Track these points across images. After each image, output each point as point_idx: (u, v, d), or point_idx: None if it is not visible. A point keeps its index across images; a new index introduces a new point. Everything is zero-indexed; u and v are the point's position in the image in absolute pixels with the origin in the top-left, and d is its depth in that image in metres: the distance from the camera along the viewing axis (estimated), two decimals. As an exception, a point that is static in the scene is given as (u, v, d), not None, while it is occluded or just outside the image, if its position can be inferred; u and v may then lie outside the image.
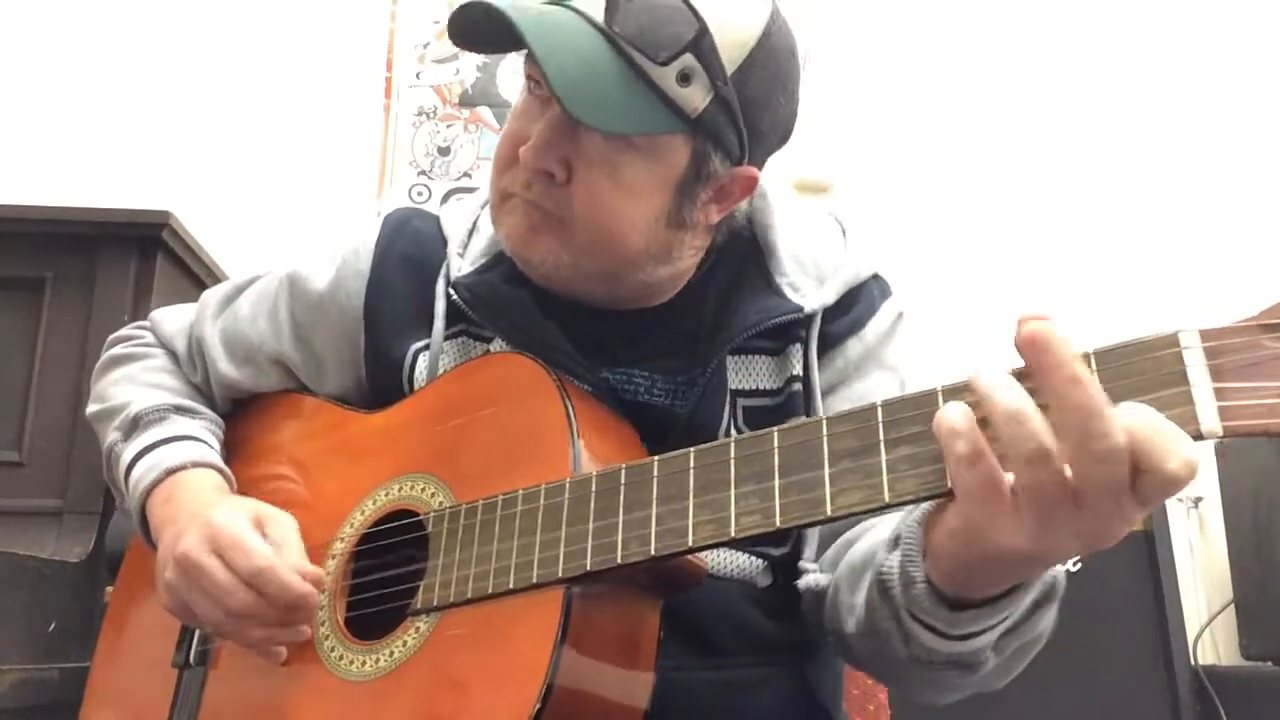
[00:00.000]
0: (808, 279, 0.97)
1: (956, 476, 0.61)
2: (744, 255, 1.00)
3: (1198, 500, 2.44)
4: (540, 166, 0.87)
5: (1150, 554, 2.01)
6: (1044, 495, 0.58)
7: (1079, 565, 2.01)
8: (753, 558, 0.95)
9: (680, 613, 0.85)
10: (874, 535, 0.88)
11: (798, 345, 0.95)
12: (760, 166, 0.94)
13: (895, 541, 0.76)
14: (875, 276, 1.02)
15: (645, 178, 0.87)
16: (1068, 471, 0.57)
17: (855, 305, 0.99)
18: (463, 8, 0.84)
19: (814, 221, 1.04)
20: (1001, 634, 0.73)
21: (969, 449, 0.59)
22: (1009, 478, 0.59)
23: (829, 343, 0.97)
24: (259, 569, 0.86)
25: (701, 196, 0.90)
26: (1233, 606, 2.30)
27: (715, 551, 0.93)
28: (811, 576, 0.93)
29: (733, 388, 0.95)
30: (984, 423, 0.59)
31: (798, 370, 0.95)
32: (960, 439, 0.59)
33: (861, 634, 0.84)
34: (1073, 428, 0.56)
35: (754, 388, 0.96)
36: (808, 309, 0.95)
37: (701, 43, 0.82)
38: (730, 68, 0.84)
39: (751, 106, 0.87)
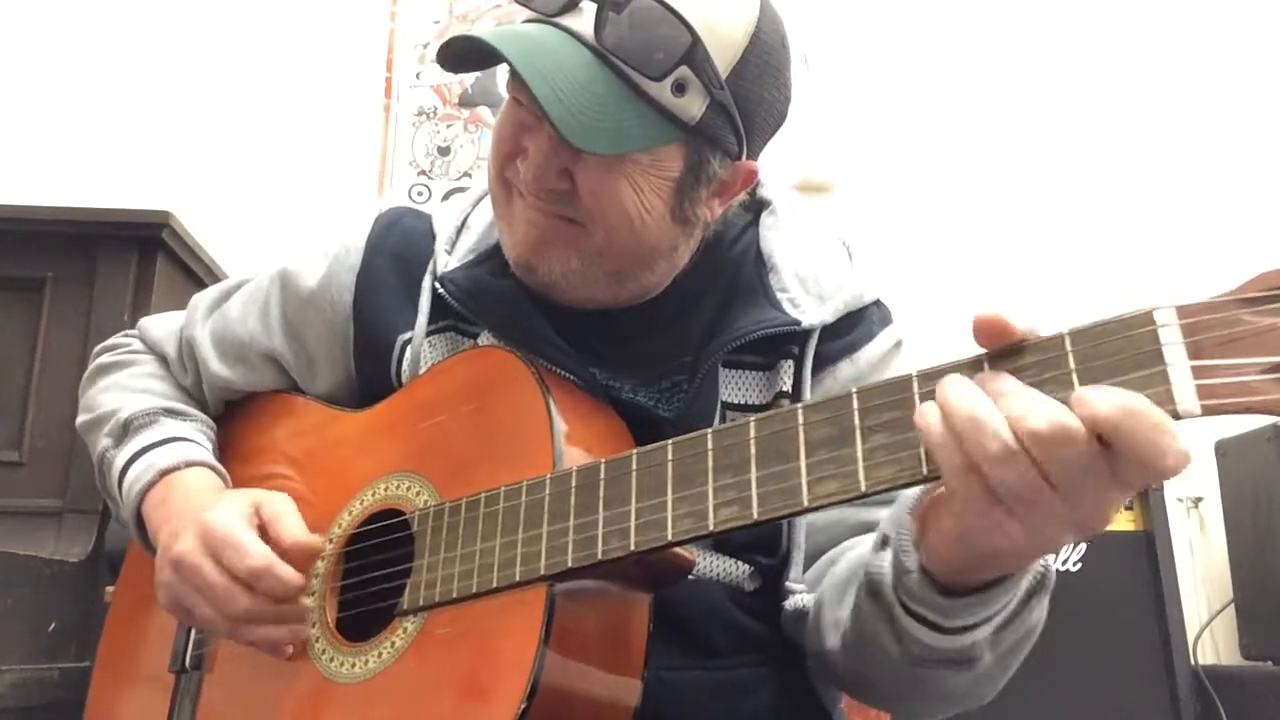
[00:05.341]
0: (808, 296, 0.97)
1: (953, 486, 0.60)
2: (746, 268, 0.99)
3: (1198, 500, 2.43)
4: (543, 186, 0.87)
5: (1150, 554, 2.01)
6: (1023, 490, 0.57)
7: (1079, 565, 2.01)
8: (739, 563, 0.94)
9: (672, 613, 0.85)
10: (858, 550, 0.88)
11: (789, 361, 0.95)
12: (757, 156, 0.94)
13: (884, 543, 0.76)
14: (877, 303, 1.01)
15: (648, 182, 0.86)
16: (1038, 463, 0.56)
17: (853, 329, 0.98)
18: (450, 41, 0.84)
19: (821, 241, 1.03)
20: (997, 628, 0.73)
21: (963, 459, 0.58)
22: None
23: (821, 362, 0.96)
24: (252, 568, 0.85)
25: (703, 194, 0.91)
26: (1233, 606, 2.30)
27: (702, 555, 0.92)
28: (798, 598, 0.93)
29: (722, 399, 0.95)
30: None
31: (786, 387, 0.94)
32: (952, 450, 0.58)
33: (846, 647, 0.84)
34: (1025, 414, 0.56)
35: (741, 402, 0.95)
36: (805, 324, 0.94)
37: (695, 53, 0.81)
38: (724, 71, 0.84)
39: (747, 104, 0.87)
